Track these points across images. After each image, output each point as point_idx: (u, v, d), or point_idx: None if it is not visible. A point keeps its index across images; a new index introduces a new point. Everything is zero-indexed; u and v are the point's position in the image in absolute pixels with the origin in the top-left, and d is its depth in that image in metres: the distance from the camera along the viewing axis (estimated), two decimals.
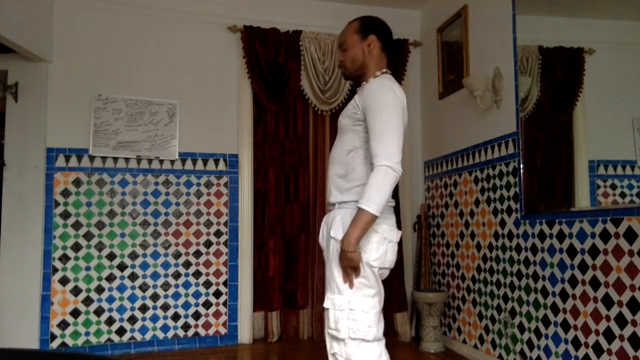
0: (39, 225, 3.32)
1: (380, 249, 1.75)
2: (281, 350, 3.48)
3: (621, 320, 2.13)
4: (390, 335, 3.77)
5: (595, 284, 2.27)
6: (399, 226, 4.07)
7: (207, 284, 3.60)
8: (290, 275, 3.75)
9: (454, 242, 3.50)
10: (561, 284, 2.47)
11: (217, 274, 3.62)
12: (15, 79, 3.36)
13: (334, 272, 1.75)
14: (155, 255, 3.52)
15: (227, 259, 3.64)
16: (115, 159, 3.49)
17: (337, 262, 1.75)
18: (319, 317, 3.69)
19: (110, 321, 3.40)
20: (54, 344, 3.30)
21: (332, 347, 1.77)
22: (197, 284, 3.58)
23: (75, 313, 3.34)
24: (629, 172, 2.24)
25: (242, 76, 3.72)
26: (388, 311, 3.81)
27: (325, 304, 1.77)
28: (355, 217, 1.68)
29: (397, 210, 3.80)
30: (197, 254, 3.60)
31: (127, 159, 3.51)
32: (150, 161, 3.55)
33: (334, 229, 1.79)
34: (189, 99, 3.64)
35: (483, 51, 3.18)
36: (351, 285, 1.72)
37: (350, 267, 1.70)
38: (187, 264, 3.57)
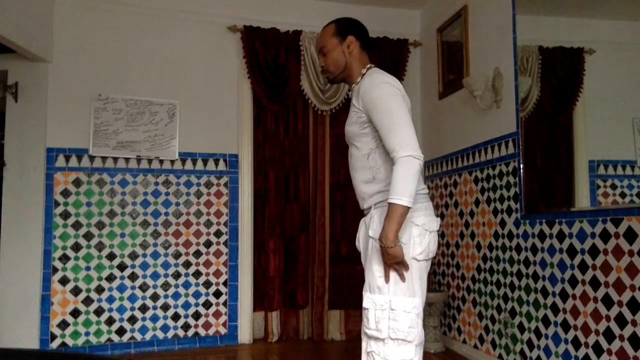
0: (39, 225, 3.32)
1: (423, 242, 1.74)
2: (281, 350, 3.48)
3: (621, 320, 2.12)
4: None
5: (595, 284, 2.27)
6: None
7: (207, 284, 3.60)
8: (290, 275, 3.75)
9: (454, 242, 3.50)
10: (561, 284, 2.47)
11: (217, 274, 3.62)
12: (15, 79, 3.36)
13: (374, 271, 1.74)
14: (155, 255, 3.52)
15: (227, 259, 3.64)
16: (115, 159, 3.49)
17: (377, 260, 1.73)
18: (319, 317, 3.69)
19: (110, 321, 3.40)
20: (54, 344, 3.30)
21: (369, 345, 1.74)
22: (197, 284, 3.58)
23: (75, 313, 3.34)
24: (629, 172, 2.24)
25: (242, 76, 3.72)
26: None
27: (365, 304, 1.74)
28: (388, 213, 1.66)
29: None
30: (197, 254, 3.60)
31: (127, 159, 3.51)
32: (150, 161, 3.55)
33: (372, 228, 1.78)
34: (189, 99, 3.64)
35: (483, 51, 3.18)
36: (403, 279, 1.70)
37: (396, 263, 1.69)
38: (187, 264, 3.57)
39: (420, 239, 1.74)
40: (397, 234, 1.66)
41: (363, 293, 1.79)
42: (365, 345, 1.77)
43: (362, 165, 1.85)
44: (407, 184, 1.64)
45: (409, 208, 1.65)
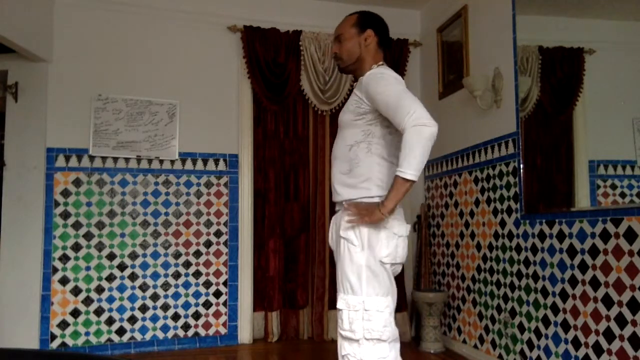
0: (39, 225, 3.32)
1: (390, 245, 1.74)
2: (281, 350, 3.48)
3: (621, 320, 2.12)
4: None
5: (595, 284, 2.27)
6: None
7: (207, 284, 3.60)
8: (290, 275, 3.75)
9: (454, 242, 3.50)
10: (561, 284, 2.47)
11: (217, 274, 3.62)
12: (15, 79, 3.36)
13: (347, 273, 1.74)
14: (155, 255, 3.52)
15: (227, 259, 3.64)
16: (115, 159, 3.49)
17: (349, 262, 1.74)
18: (319, 317, 3.69)
19: (110, 321, 3.40)
20: (54, 344, 3.30)
21: (343, 348, 1.74)
22: (197, 284, 3.58)
23: (75, 313, 3.34)
24: (629, 172, 2.24)
25: (242, 76, 3.72)
26: None
27: (339, 305, 1.75)
28: (393, 185, 1.66)
29: None
30: (197, 254, 3.60)
31: (127, 159, 3.51)
32: (150, 161, 3.55)
33: (343, 228, 1.78)
34: (189, 99, 3.64)
35: (483, 51, 3.18)
36: (357, 219, 1.70)
37: (368, 219, 1.69)
38: (187, 264, 3.57)
39: (387, 242, 1.74)
40: (395, 206, 1.67)
41: (337, 294, 1.79)
42: (339, 348, 1.77)
43: (343, 155, 1.85)
44: (413, 155, 1.61)
45: (413, 182, 1.63)
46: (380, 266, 1.73)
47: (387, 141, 1.80)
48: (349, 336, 1.71)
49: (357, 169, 1.80)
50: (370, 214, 1.69)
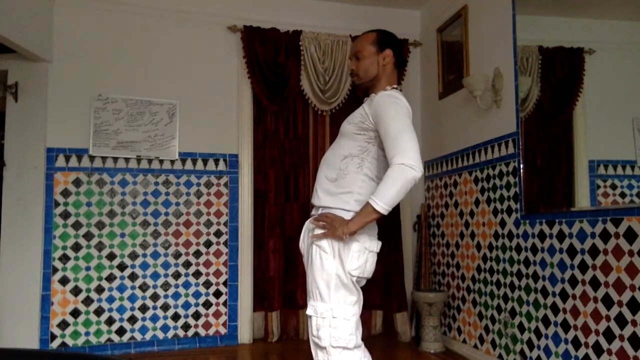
0: (39, 225, 3.32)
1: (360, 259, 1.76)
2: (281, 350, 3.48)
3: (621, 320, 2.12)
4: (390, 335, 3.78)
5: (595, 284, 2.27)
6: (397, 226, 4.05)
7: (207, 284, 3.60)
8: (290, 275, 3.75)
9: (454, 242, 3.50)
10: (561, 284, 2.47)
11: (217, 274, 3.62)
12: (15, 79, 3.36)
13: (317, 280, 1.76)
14: (155, 255, 3.52)
15: (227, 259, 3.64)
16: (115, 159, 3.49)
17: (319, 269, 1.75)
18: None
19: (110, 321, 3.40)
20: (54, 344, 3.30)
21: (316, 354, 1.77)
22: (197, 284, 3.58)
23: (75, 313, 3.34)
24: (629, 172, 2.24)
25: (242, 76, 3.72)
26: (388, 311, 3.81)
27: (308, 311, 1.77)
28: (362, 209, 1.70)
29: (396, 210, 3.80)
30: (197, 254, 3.60)
31: (127, 159, 3.51)
32: (150, 161, 3.55)
33: (316, 233, 1.80)
34: (189, 99, 3.64)
35: (483, 51, 3.18)
36: (322, 233, 1.74)
37: (330, 234, 1.73)
38: (187, 264, 3.57)
39: (358, 255, 1.76)
40: (358, 229, 1.70)
41: (307, 300, 1.81)
42: (314, 353, 1.79)
43: (334, 162, 1.86)
44: (390, 190, 1.65)
45: (381, 214, 1.67)
46: (349, 278, 1.75)
47: (379, 162, 1.83)
48: (317, 342, 1.75)
49: (343, 180, 1.82)
50: (333, 230, 1.72)
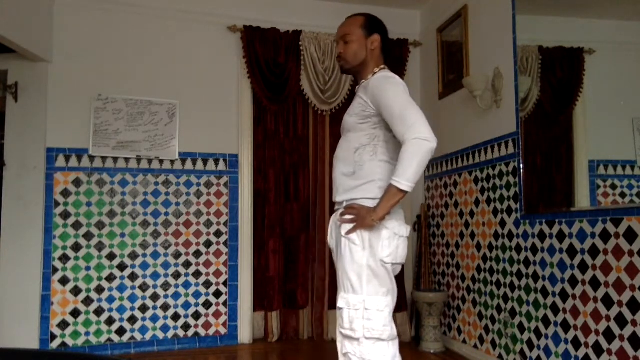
0: (39, 225, 3.32)
1: (391, 245, 1.75)
2: (281, 350, 3.48)
3: (621, 320, 2.12)
4: None
5: (595, 284, 2.27)
6: None
7: (207, 284, 3.60)
8: (290, 275, 3.75)
9: (454, 242, 3.50)
10: (561, 284, 2.47)
11: (217, 274, 3.62)
12: (15, 79, 3.36)
13: (348, 272, 1.75)
14: (155, 255, 3.52)
15: (227, 259, 3.64)
16: (115, 159, 3.49)
17: (349, 261, 1.75)
18: (319, 317, 3.69)
19: (110, 321, 3.40)
20: (54, 344, 3.30)
21: (344, 347, 1.76)
22: (197, 284, 3.58)
23: (75, 313, 3.34)
24: (629, 172, 2.24)
25: (242, 76, 3.72)
26: None
27: (339, 304, 1.76)
28: (386, 193, 1.70)
29: None
30: (197, 254, 3.60)
31: (127, 159, 3.51)
32: (150, 161, 3.55)
33: (344, 227, 1.78)
34: (189, 99, 3.64)
35: (483, 51, 3.18)
36: (352, 228, 1.74)
37: (360, 226, 1.72)
38: (187, 264, 3.57)
39: (389, 242, 1.75)
40: (386, 214, 1.70)
41: (338, 293, 1.80)
42: (340, 346, 1.79)
43: (347, 157, 1.86)
44: (410, 166, 1.64)
45: (406, 193, 1.67)
46: (381, 266, 1.74)
47: (391, 145, 1.82)
48: (349, 335, 1.72)
49: (361, 171, 1.81)
50: (362, 221, 1.72)
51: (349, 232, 1.75)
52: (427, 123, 1.68)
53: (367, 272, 1.73)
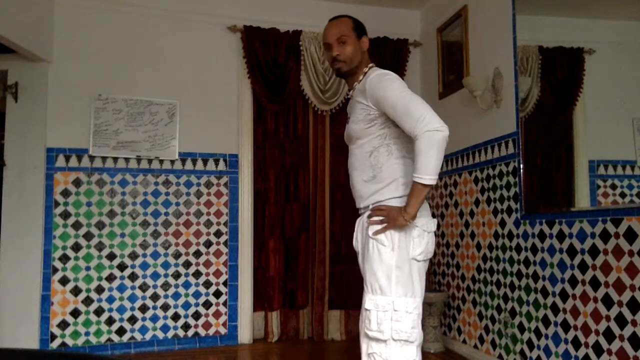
0: (39, 225, 3.32)
1: (422, 243, 1.76)
2: (281, 350, 3.48)
3: (621, 320, 2.12)
4: None
5: (595, 284, 2.27)
6: None
7: (207, 284, 3.60)
8: (290, 275, 3.75)
9: (454, 242, 3.50)
10: (561, 284, 2.47)
11: (217, 274, 3.62)
12: (15, 79, 3.36)
13: (377, 273, 1.73)
14: (155, 255, 3.52)
15: (227, 259, 3.64)
16: (115, 159, 3.49)
17: (378, 262, 1.73)
18: (319, 317, 3.69)
19: (110, 321, 3.40)
20: (54, 344, 3.30)
21: (370, 347, 1.74)
22: (197, 284, 3.58)
23: (75, 313, 3.34)
24: (629, 172, 2.24)
25: (242, 76, 3.72)
26: None
27: (367, 305, 1.74)
28: (412, 191, 1.70)
29: None
30: (197, 254, 3.60)
31: (127, 159, 3.51)
32: (150, 161, 3.55)
33: (372, 228, 1.78)
34: (189, 99, 3.64)
35: (483, 51, 3.18)
36: (379, 228, 1.74)
37: (392, 226, 1.72)
38: (187, 264, 3.57)
39: (419, 240, 1.75)
40: (417, 210, 1.70)
41: (364, 294, 1.78)
42: (365, 347, 1.76)
43: (364, 163, 1.85)
44: (429, 161, 1.64)
45: (431, 186, 1.67)
46: (411, 266, 1.73)
47: (403, 138, 1.81)
48: (377, 336, 1.70)
49: (381, 173, 1.80)
50: (393, 221, 1.71)
51: (378, 232, 1.74)
52: (433, 112, 1.68)
53: (396, 272, 1.71)
